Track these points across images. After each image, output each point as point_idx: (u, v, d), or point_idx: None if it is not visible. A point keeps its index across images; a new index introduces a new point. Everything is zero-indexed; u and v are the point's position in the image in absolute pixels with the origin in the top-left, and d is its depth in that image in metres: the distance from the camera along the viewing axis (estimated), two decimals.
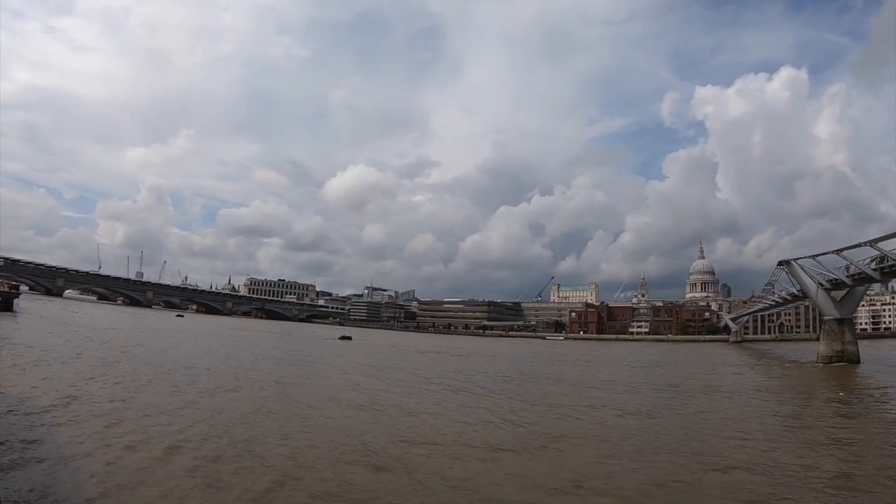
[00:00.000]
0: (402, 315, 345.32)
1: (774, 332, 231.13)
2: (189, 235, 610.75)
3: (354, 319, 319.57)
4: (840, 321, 70.71)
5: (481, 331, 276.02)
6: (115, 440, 17.12)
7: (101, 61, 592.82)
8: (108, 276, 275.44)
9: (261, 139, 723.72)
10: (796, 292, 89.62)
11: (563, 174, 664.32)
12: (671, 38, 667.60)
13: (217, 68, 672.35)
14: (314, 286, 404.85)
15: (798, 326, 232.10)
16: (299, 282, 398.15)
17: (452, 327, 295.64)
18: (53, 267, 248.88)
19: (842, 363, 67.30)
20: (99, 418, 19.87)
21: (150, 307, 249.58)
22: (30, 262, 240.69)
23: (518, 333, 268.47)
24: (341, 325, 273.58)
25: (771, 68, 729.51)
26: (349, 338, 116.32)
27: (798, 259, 77.32)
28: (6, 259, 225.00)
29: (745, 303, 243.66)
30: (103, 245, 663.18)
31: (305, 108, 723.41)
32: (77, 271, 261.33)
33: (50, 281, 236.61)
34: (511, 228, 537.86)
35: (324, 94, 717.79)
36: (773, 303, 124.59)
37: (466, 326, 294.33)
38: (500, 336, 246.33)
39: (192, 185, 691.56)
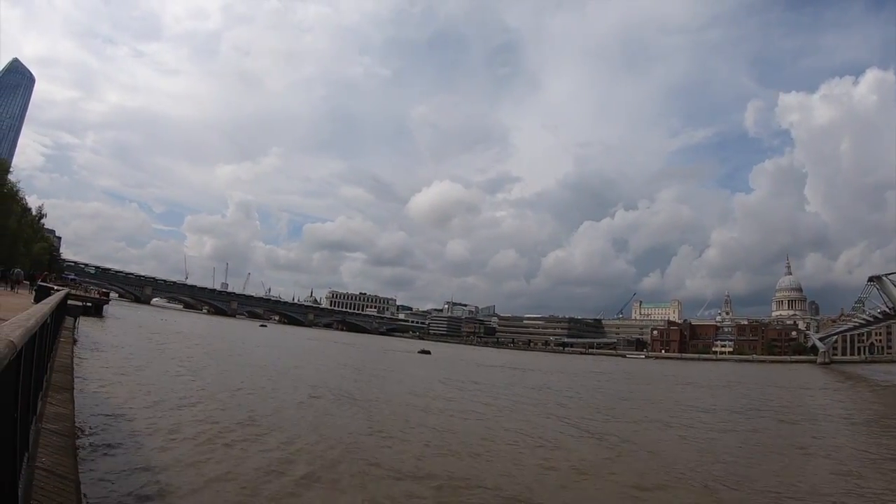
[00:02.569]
0: (481, 330, 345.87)
1: (864, 353, 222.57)
2: (274, 249, 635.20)
3: (434, 334, 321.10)
4: None
5: (561, 347, 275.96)
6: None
7: (189, 83, 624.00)
8: (195, 286, 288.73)
9: (344, 156, 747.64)
10: (888, 310, 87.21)
11: (647, 188, 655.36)
12: (751, 43, 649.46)
13: (301, 89, 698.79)
14: (395, 300, 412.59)
15: (889, 347, 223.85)
16: (380, 295, 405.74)
17: (532, 343, 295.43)
18: (142, 276, 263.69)
19: None
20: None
21: (233, 317, 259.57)
22: (119, 271, 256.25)
23: (598, 351, 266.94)
24: (421, 338, 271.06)
25: (856, 71, 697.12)
26: (428, 352, 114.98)
27: (890, 275, 76.61)
28: (98, 268, 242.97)
29: (833, 321, 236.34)
30: (191, 257, 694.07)
31: (387, 125, 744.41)
32: (164, 280, 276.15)
33: (138, 289, 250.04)
34: (594, 244, 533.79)
35: (404, 112, 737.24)
36: (863, 321, 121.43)
37: (546, 343, 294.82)
38: (581, 353, 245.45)
39: (278, 200, 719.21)
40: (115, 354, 39.21)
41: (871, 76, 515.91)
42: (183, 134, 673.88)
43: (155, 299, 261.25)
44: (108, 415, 19.20)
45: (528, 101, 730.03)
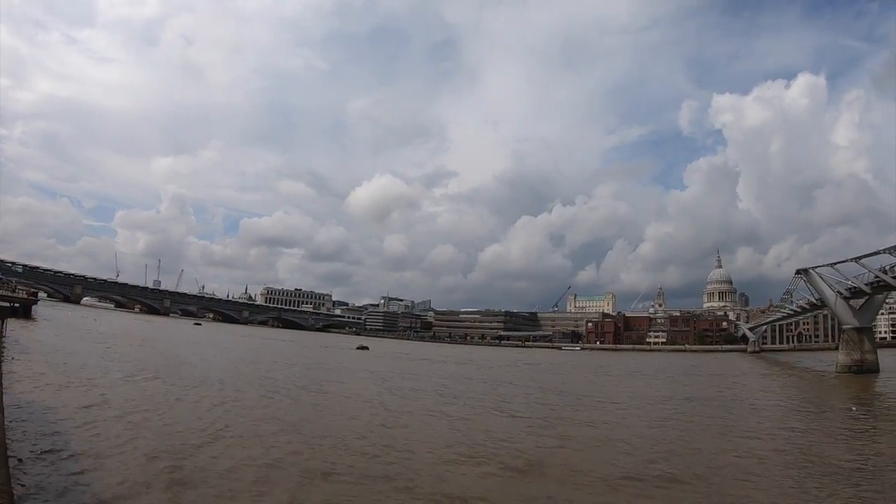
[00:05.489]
0: (418, 325, 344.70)
1: (793, 342, 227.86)
2: (209, 245, 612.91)
3: (370, 329, 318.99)
4: (859, 330, 70.34)
5: (497, 341, 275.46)
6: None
7: (123, 72, 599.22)
8: (126, 285, 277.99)
9: (282, 150, 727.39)
10: (815, 301, 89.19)
11: (584, 185, 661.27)
12: (689, 45, 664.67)
13: (241, 80, 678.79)
14: (331, 296, 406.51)
15: (817, 336, 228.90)
16: (316, 291, 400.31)
17: (469, 337, 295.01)
18: (71, 274, 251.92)
19: (861, 373, 66.82)
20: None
21: (167, 315, 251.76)
22: (48, 270, 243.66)
23: (534, 344, 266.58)
24: (357, 334, 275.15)
25: (789, 75, 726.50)
26: (367, 347, 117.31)
27: (816, 268, 77.20)
28: (25, 266, 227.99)
29: (763, 312, 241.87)
30: (123, 254, 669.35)
31: (324, 119, 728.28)
32: (95, 279, 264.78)
33: (68, 288, 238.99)
34: (531, 239, 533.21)
35: (342, 106, 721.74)
36: (791, 312, 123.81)
37: (483, 337, 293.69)
38: (517, 346, 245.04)
39: (214, 195, 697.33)
40: (49, 359, 38.53)
41: (803, 80, 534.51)
42: (116, 125, 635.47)
43: (85, 298, 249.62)
44: (45, 423, 19.38)
45: (468, 96, 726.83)
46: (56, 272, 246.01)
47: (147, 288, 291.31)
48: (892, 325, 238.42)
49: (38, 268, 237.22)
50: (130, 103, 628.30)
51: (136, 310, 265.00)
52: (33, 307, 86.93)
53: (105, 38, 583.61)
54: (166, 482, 14.86)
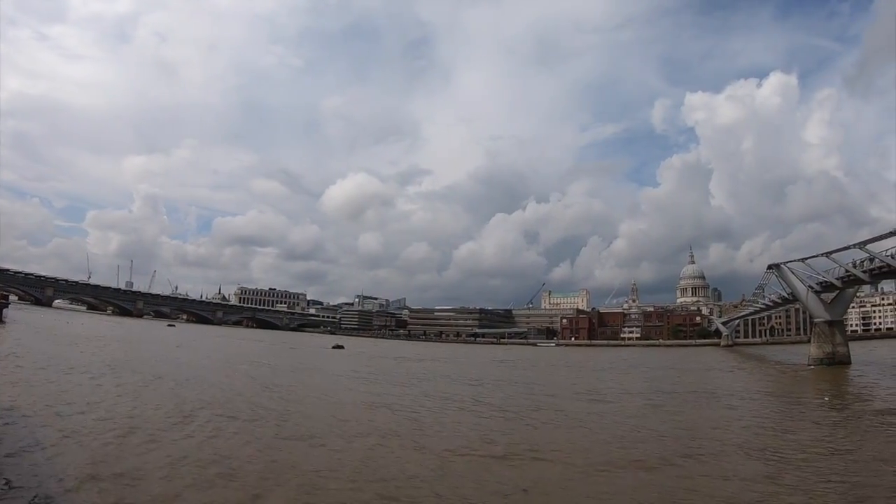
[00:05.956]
0: (393, 323, 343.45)
1: (766, 336, 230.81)
2: (182, 245, 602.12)
3: (345, 328, 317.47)
4: (830, 323, 70.85)
5: (473, 338, 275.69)
6: None
7: (95, 70, 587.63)
8: (98, 286, 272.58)
9: (255, 148, 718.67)
10: (786, 295, 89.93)
11: (558, 182, 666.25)
12: (662, 44, 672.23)
13: (212, 78, 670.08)
14: (305, 295, 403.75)
15: (789, 329, 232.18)
16: (290, 291, 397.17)
17: (444, 335, 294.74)
18: (42, 276, 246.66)
19: (833, 365, 67.33)
20: None
21: (140, 317, 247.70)
22: (19, 272, 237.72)
23: (510, 340, 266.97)
24: (332, 333, 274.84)
25: (761, 74, 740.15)
26: (342, 346, 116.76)
27: (788, 262, 77.81)
28: None
29: (735, 307, 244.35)
30: (95, 255, 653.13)
31: (298, 117, 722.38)
32: (66, 281, 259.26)
33: (39, 290, 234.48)
34: (506, 236, 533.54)
35: (316, 104, 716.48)
36: (763, 306, 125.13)
37: (458, 334, 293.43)
38: (493, 343, 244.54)
39: (187, 194, 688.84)
40: (24, 364, 37.71)
41: (775, 79, 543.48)
42: (88, 124, 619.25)
43: (57, 301, 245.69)
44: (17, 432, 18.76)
45: (442, 94, 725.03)
46: (27, 274, 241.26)
47: (120, 289, 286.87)
48: (863, 319, 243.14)
49: (7, 270, 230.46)
50: (102, 101, 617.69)
51: (109, 311, 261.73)
52: (4, 310, 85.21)
53: (77, 34, 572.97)
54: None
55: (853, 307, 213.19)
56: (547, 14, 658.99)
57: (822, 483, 17.10)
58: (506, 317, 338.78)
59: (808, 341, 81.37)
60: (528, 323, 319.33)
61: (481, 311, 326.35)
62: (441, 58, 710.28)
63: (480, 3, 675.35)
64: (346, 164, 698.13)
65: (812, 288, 72.40)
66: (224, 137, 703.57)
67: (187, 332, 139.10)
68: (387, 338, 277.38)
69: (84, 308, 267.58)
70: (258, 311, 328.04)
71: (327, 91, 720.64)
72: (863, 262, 62.72)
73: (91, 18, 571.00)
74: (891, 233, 56.17)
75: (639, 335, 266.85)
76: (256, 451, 18.98)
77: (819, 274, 71.66)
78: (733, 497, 15.78)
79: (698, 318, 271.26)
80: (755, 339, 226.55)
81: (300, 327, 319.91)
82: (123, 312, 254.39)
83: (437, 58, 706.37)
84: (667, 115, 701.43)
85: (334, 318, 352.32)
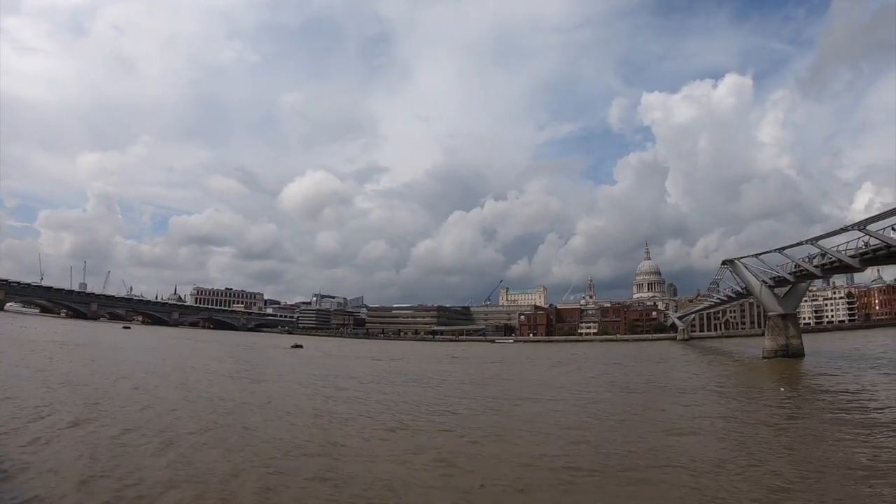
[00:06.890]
0: (351, 322, 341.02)
1: (721, 329, 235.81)
2: (137, 245, 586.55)
3: (303, 327, 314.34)
4: (784, 316, 71.76)
5: (431, 336, 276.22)
6: None
7: (49, 63, 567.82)
8: (51, 288, 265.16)
9: (212, 146, 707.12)
10: (741, 290, 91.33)
11: (516, 180, 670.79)
12: (620, 45, 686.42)
13: (168, 73, 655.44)
14: (262, 295, 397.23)
15: (743, 323, 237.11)
16: (247, 290, 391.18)
17: (402, 333, 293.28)
18: None
19: (786, 357, 68.11)
20: None
21: (95, 319, 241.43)
22: None
23: (468, 337, 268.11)
24: (290, 333, 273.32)
25: (716, 75, 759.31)
26: (301, 346, 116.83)
27: (742, 258, 78.59)
28: None
29: (691, 301, 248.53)
30: (48, 256, 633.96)
31: (255, 114, 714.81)
32: (19, 283, 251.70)
33: None
34: (464, 234, 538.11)
35: (274, 100, 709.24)
36: (718, 301, 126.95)
37: (416, 332, 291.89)
38: (451, 340, 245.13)
39: (142, 193, 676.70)
40: None
41: (730, 80, 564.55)
42: (40, 119, 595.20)
43: (9, 304, 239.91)
44: None
45: (400, 92, 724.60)
46: None
47: (73, 291, 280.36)
48: (816, 312, 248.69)
49: None
50: (56, 96, 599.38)
51: (63, 314, 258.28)
52: None
53: (30, 26, 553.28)
54: None
55: (806, 301, 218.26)
56: (506, 13, 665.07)
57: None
58: (464, 314, 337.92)
59: (762, 334, 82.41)
60: (486, 320, 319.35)
61: (439, 308, 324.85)
62: (400, 55, 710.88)
63: (440, 1, 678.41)
64: (304, 161, 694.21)
65: (766, 283, 73.21)
66: (180, 134, 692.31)
67: (143, 335, 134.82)
68: (345, 336, 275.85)
69: (37, 311, 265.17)
70: (215, 312, 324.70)
71: (285, 88, 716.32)
72: (815, 257, 63.40)
73: (46, 10, 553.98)
74: (842, 229, 56.55)
75: (596, 330, 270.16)
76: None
77: (772, 269, 72.40)
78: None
79: (654, 314, 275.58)
80: (711, 333, 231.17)
81: (258, 327, 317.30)
82: (77, 314, 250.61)
83: (396, 55, 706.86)
84: (624, 114, 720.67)
85: (292, 317, 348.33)
